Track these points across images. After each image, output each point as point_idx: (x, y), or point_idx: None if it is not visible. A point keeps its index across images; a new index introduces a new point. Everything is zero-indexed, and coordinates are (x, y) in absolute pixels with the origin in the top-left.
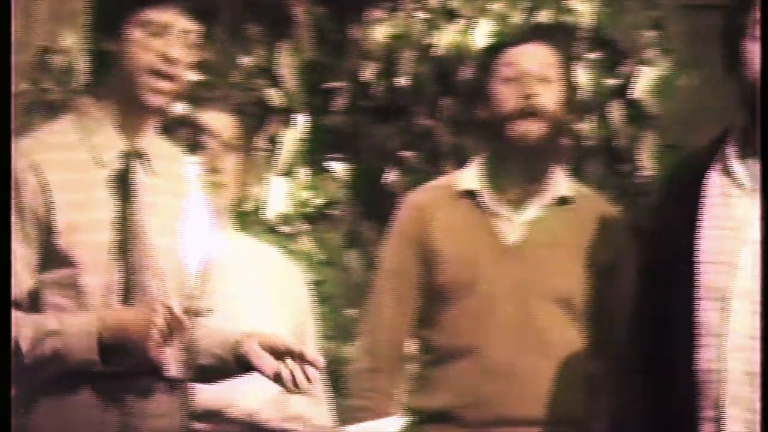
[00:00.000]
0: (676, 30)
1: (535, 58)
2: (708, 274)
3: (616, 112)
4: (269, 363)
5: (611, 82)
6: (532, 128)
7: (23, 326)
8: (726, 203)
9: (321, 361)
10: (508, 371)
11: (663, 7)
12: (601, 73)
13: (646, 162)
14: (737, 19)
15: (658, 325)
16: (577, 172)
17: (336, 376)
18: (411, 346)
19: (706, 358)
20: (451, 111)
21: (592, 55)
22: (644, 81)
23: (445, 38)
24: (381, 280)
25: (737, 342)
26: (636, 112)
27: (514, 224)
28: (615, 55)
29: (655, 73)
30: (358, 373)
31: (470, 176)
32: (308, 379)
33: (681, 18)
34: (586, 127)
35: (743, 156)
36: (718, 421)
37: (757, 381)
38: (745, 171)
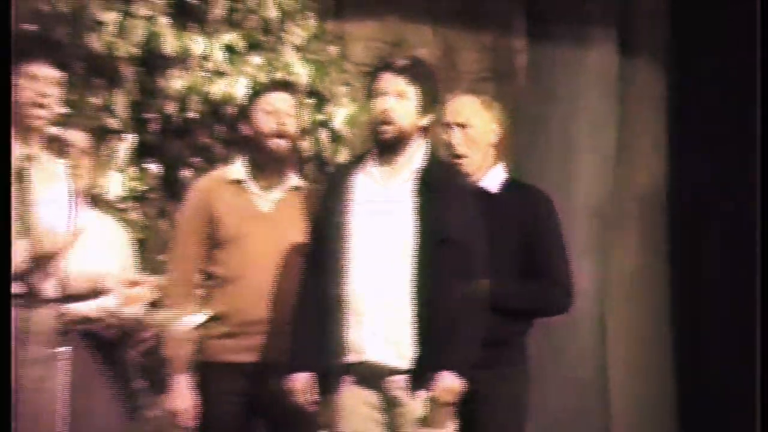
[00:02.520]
0: (360, 86)
1: (283, 101)
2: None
3: (323, 135)
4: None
5: (320, 116)
6: (281, 143)
7: None
8: (366, 191)
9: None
10: (258, 291)
11: (349, 72)
12: (314, 111)
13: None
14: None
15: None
16: (301, 171)
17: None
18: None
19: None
20: (222, 133)
21: (309, 100)
22: (340, 117)
23: (217, 88)
24: (180, 235)
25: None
26: (336, 136)
27: (267, 200)
28: (322, 100)
29: (346, 113)
30: (169, 294)
31: (236, 170)
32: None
33: (361, 78)
34: (306, 144)
35: (380, 164)
36: None
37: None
38: (380, 173)
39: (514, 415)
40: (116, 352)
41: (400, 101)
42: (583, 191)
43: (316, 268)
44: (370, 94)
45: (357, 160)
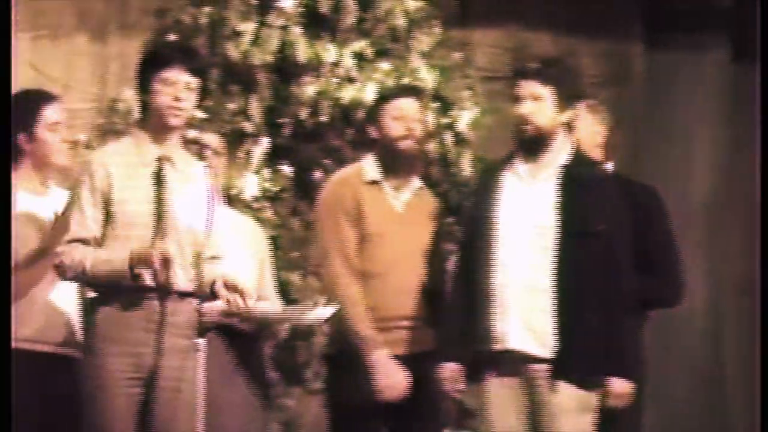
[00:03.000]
0: (481, 90)
1: (410, 105)
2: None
3: (448, 137)
4: (223, 294)
5: (445, 120)
6: (409, 146)
7: (90, 257)
8: (513, 188)
9: (251, 294)
10: (401, 288)
11: (472, 77)
12: (439, 114)
13: (466, 167)
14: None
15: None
16: (427, 172)
17: (285, 291)
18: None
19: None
20: (351, 136)
21: (434, 104)
22: (464, 120)
23: (347, 93)
24: (333, 227)
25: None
26: (460, 138)
27: (399, 201)
28: (446, 104)
29: (470, 116)
30: (335, 284)
31: (372, 171)
32: (244, 303)
33: (484, 83)
34: (432, 146)
35: (525, 162)
36: None
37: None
38: (526, 170)
39: (633, 403)
40: (251, 344)
41: (536, 103)
42: (698, 191)
43: (467, 262)
44: (512, 99)
45: (505, 160)
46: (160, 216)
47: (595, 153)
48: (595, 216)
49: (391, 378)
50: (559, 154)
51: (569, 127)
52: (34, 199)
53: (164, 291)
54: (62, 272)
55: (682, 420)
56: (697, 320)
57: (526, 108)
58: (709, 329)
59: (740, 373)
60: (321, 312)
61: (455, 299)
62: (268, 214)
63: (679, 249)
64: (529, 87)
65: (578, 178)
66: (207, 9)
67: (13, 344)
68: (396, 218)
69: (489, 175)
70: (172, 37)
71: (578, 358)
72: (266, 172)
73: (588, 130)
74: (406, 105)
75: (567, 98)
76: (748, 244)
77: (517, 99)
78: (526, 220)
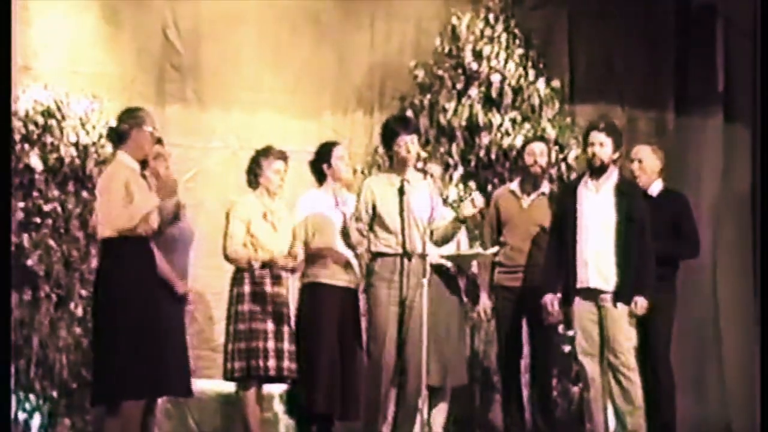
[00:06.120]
0: (581, 139)
1: (540, 148)
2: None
3: (563, 166)
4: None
5: (561, 156)
6: (537, 170)
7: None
8: (585, 196)
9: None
10: (522, 249)
11: (576, 132)
12: (558, 153)
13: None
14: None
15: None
16: (551, 183)
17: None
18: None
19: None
20: (507, 166)
21: (555, 147)
22: (571, 156)
23: (506, 142)
24: (490, 218)
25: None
26: (568, 166)
27: (526, 201)
28: (562, 147)
29: (574, 154)
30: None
31: (514, 185)
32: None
33: (580, 136)
34: (553, 171)
35: (592, 180)
36: None
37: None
38: (592, 185)
39: (668, 323)
40: (457, 281)
41: (600, 148)
42: (707, 194)
43: (558, 236)
44: (586, 143)
45: (579, 178)
46: (402, 213)
47: (655, 176)
48: (633, 210)
49: (554, 308)
50: (611, 176)
51: (616, 161)
52: (333, 201)
53: (408, 254)
54: (353, 247)
55: (687, 337)
56: (700, 277)
57: (596, 149)
58: (709, 284)
59: (734, 310)
60: (492, 249)
61: (551, 255)
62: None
63: (695, 225)
64: (598, 137)
65: (624, 191)
66: (428, 95)
67: (318, 280)
68: (524, 212)
69: (569, 188)
70: (409, 112)
71: (627, 290)
72: (461, 186)
73: (652, 163)
74: (538, 148)
75: (617, 145)
76: (737, 233)
77: (590, 143)
78: (596, 214)
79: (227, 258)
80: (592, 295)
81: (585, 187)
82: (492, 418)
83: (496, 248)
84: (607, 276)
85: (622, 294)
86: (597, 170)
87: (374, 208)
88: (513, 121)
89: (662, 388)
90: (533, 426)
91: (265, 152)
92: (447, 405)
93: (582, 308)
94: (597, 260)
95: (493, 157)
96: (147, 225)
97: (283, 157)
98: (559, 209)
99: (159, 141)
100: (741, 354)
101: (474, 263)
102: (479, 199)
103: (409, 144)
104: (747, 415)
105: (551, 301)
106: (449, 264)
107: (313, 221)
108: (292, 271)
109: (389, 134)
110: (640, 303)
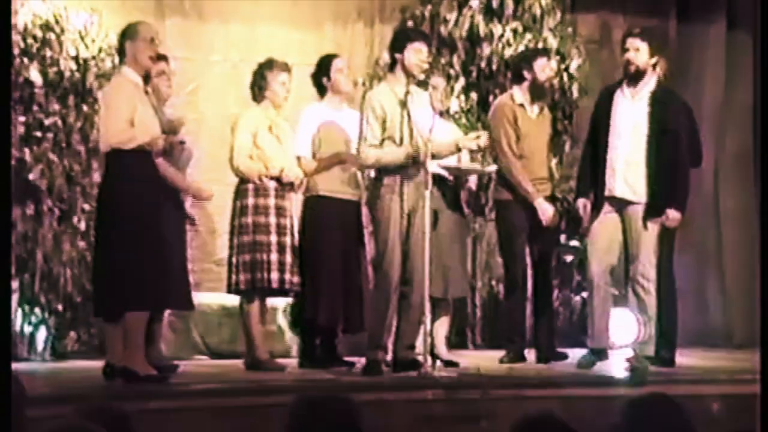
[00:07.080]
0: (583, 49)
1: (543, 59)
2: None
3: (564, 76)
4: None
5: (562, 66)
6: (542, 81)
7: (380, 154)
8: (621, 103)
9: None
10: (540, 161)
11: (578, 41)
12: (559, 63)
13: (574, 93)
14: None
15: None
16: (552, 96)
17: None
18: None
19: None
20: (509, 77)
21: (556, 57)
22: (573, 66)
23: (507, 52)
24: (497, 129)
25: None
26: (570, 76)
27: (533, 113)
28: (563, 57)
29: (576, 63)
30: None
31: (520, 97)
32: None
33: (585, 44)
34: (555, 81)
35: (629, 87)
36: None
37: (757, 291)
38: (629, 92)
39: (671, 233)
40: (454, 189)
41: (635, 53)
42: (710, 103)
43: (591, 142)
44: (622, 50)
45: (616, 85)
46: (402, 124)
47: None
48: (668, 120)
49: (548, 211)
50: (649, 83)
51: (654, 67)
52: (335, 114)
53: (414, 164)
54: (360, 164)
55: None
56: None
57: (631, 54)
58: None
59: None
60: (492, 167)
61: (584, 164)
62: (463, 121)
63: (700, 135)
64: (634, 42)
65: (660, 99)
66: (429, 6)
67: (321, 193)
68: (532, 122)
69: (607, 93)
70: (410, 23)
71: (658, 201)
72: (462, 98)
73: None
74: (540, 61)
75: (654, 51)
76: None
77: (626, 49)
78: (629, 122)
79: (235, 171)
80: (617, 203)
81: (621, 94)
82: (494, 329)
83: (494, 167)
84: (635, 187)
85: (652, 205)
86: (633, 77)
87: (384, 122)
88: (514, 31)
89: (665, 297)
90: (534, 335)
91: (269, 65)
92: (449, 318)
93: (605, 215)
94: (625, 170)
95: (494, 67)
96: (152, 145)
97: (287, 69)
98: (594, 114)
99: (165, 59)
100: (742, 265)
101: (473, 178)
102: (484, 140)
103: (420, 51)
104: (747, 325)
105: (584, 204)
106: (447, 174)
107: (325, 131)
108: (300, 184)
109: (402, 39)
110: (672, 215)
